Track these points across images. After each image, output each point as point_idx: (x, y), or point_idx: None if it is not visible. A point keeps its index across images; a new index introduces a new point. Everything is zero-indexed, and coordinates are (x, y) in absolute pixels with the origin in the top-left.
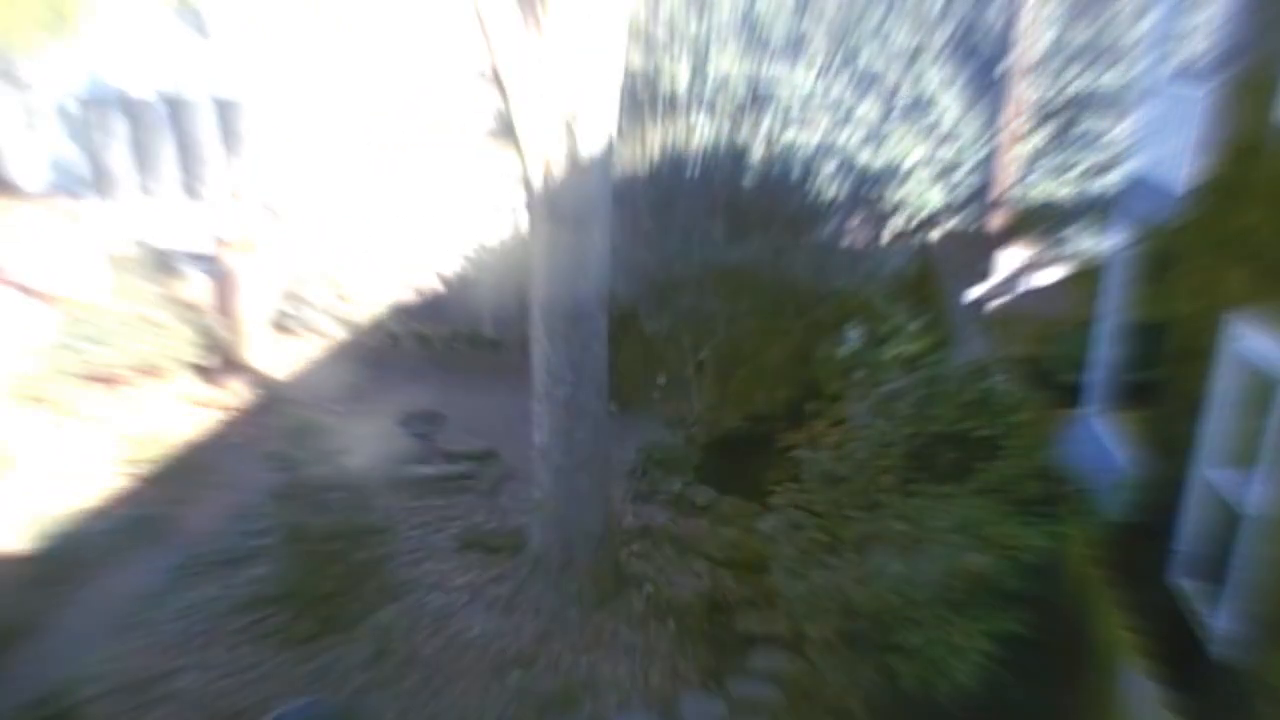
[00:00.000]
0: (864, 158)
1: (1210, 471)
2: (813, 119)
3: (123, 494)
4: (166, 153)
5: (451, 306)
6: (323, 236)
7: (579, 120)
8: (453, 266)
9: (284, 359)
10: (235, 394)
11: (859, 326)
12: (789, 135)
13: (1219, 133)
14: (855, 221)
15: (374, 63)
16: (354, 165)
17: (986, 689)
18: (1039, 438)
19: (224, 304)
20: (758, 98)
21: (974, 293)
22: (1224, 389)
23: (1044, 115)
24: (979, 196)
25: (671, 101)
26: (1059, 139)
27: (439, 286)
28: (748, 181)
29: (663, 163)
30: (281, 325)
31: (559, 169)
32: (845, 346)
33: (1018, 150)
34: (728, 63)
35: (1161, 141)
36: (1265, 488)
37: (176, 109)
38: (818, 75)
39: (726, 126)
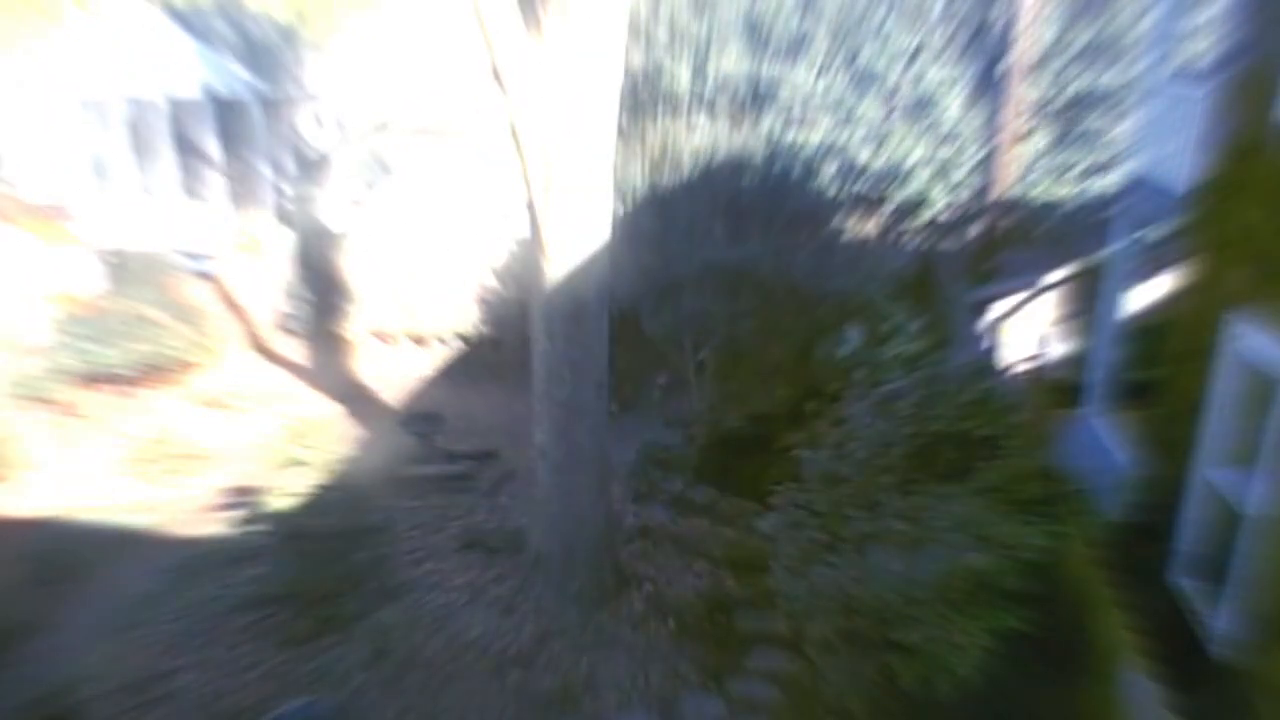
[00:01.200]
0: (864, 157)
1: (1210, 471)
2: (813, 119)
3: (126, 492)
4: (167, 152)
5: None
6: (327, 236)
7: (580, 120)
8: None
9: (287, 358)
10: (238, 393)
11: (859, 326)
12: (789, 135)
13: (1219, 132)
14: (856, 221)
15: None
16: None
17: (987, 688)
18: (1039, 438)
19: (226, 304)
20: (758, 97)
21: (974, 293)
22: (1224, 389)
23: (1044, 115)
24: (979, 196)
25: (672, 101)
26: (1059, 139)
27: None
28: (748, 181)
29: (663, 162)
30: (284, 325)
31: (559, 169)
32: (845, 346)
33: (1018, 150)
34: (729, 62)
35: (1162, 141)
36: (1265, 487)
37: (178, 109)
38: (818, 75)
39: (727, 126)
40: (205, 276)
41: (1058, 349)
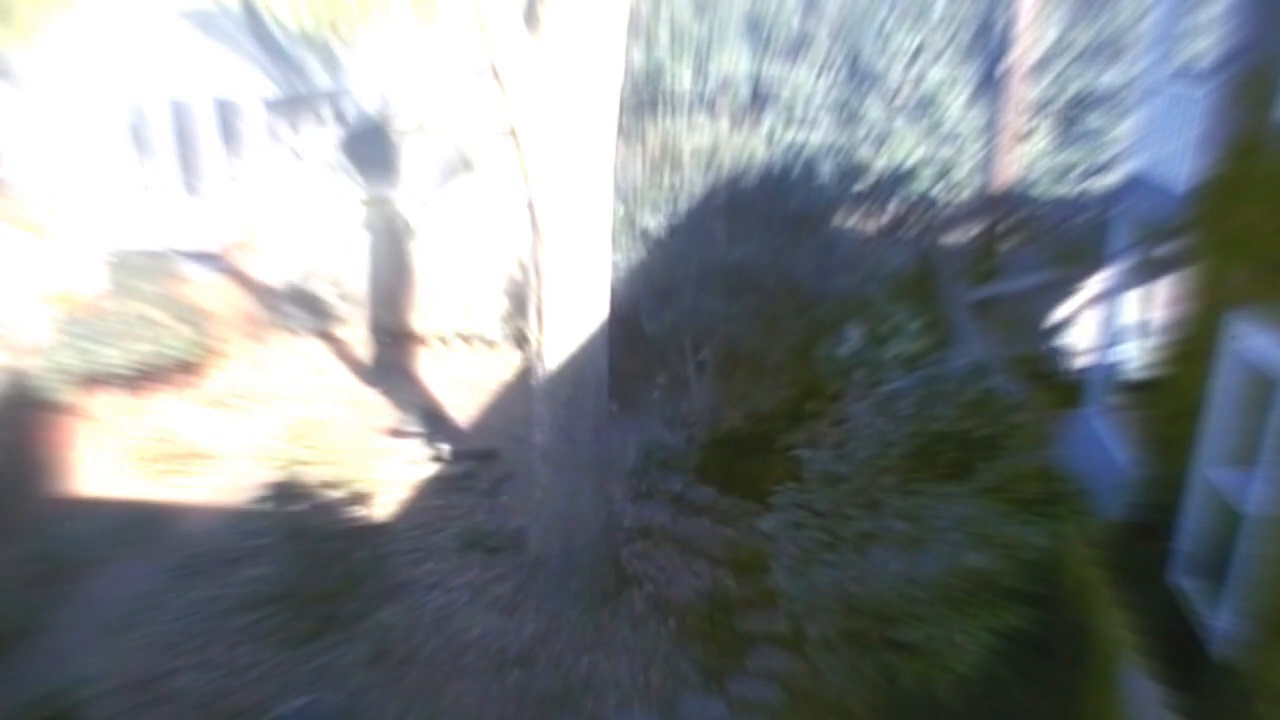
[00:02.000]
0: (865, 157)
1: (1210, 471)
2: (814, 118)
3: (126, 491)
4: (168, 151)
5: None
6: (325, 234)
7: (580, 120)
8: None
9: (287, 358)
10: (241, 393)
11: (859, 326)
12: (790, 135)
13: (1220, 132)
14: (856, 221)
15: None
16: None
17: (987, 687)
18: (1039, 437)
19: (229, 303)
20: (759, 97)
21: (975, 293)
22: (1224, 389)
23: (1045, 114)
24: (980, 195)
25: (673, 101)
26: (1060, 138)
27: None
28: (748, 181)
29: (663, 162)
30: (285, 324)
31: (559, 169)
32: (845, 346)
33: (1019, 149)
34: (729, 62)
35: (1162, 141)
36: (1265, 487)
37: (179, 109)
38: (819, 74)
39: (727, 126)
40: (208, 276)
41: (1057, 348)
